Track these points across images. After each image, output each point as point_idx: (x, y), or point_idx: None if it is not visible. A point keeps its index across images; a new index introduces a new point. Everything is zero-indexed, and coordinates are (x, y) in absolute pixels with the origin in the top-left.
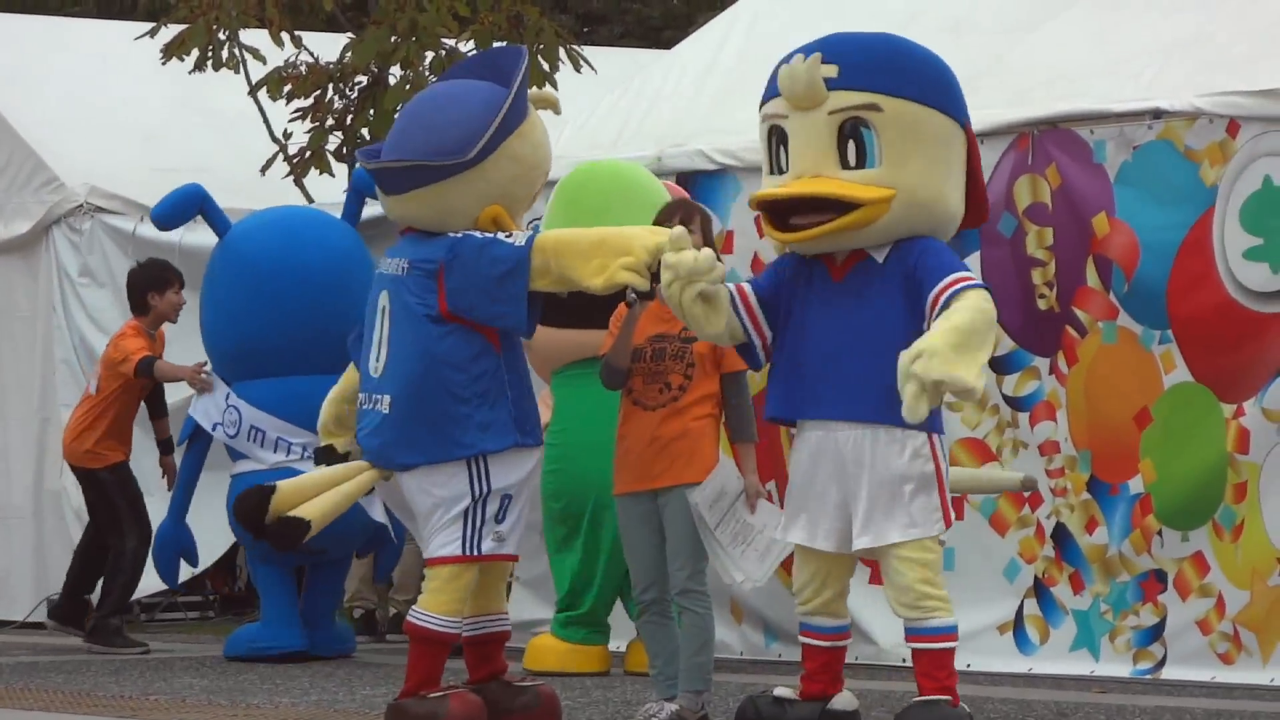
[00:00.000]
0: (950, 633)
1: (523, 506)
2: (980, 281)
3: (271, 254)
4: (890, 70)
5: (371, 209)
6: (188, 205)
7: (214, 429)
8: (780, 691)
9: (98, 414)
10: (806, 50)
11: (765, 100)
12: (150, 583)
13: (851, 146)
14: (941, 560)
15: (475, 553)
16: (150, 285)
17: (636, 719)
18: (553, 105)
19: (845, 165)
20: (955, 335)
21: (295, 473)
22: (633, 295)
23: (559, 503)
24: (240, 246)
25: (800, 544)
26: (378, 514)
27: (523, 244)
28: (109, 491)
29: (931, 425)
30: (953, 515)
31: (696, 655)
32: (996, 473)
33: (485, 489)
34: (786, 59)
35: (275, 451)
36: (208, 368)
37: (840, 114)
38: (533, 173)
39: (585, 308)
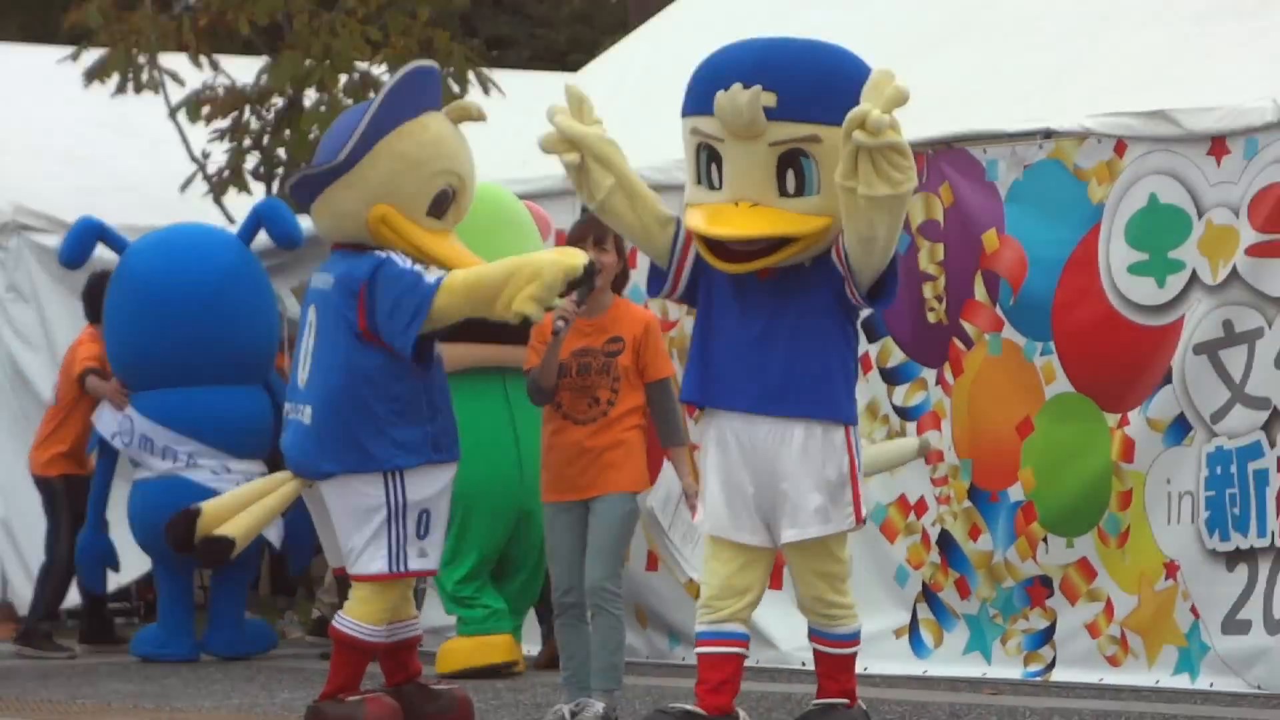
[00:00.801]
0: (854, 639)
1: (443, 520)
2: None
3: (158, 272)
4: (828, 98)
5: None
6: (87, 238)
7: (112, 439)
8: (690, 707)
9: (58, 423)
10: (744, 72)
11: (693, 112)
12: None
13: (791, 175)
14: (849, 565)
15: (402, 569)
16: (104, 292)
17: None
18: (469, 114)
19: (784, 193)
20: None
21: (183, 480)
22: (559, 320)
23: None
24: (132, 266)
25: (719, 536)
26: (269, 533)
27: (430, 284)
28: (54, 500)
29: (849, 418)
30: (864, 511)
31: (611, 655)
32: (894, 444)
33: (401, 501)
34: (723, 80)
35: (164, 459)
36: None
37: (781, 146)
38: (420, 168)
39: (471, 324)
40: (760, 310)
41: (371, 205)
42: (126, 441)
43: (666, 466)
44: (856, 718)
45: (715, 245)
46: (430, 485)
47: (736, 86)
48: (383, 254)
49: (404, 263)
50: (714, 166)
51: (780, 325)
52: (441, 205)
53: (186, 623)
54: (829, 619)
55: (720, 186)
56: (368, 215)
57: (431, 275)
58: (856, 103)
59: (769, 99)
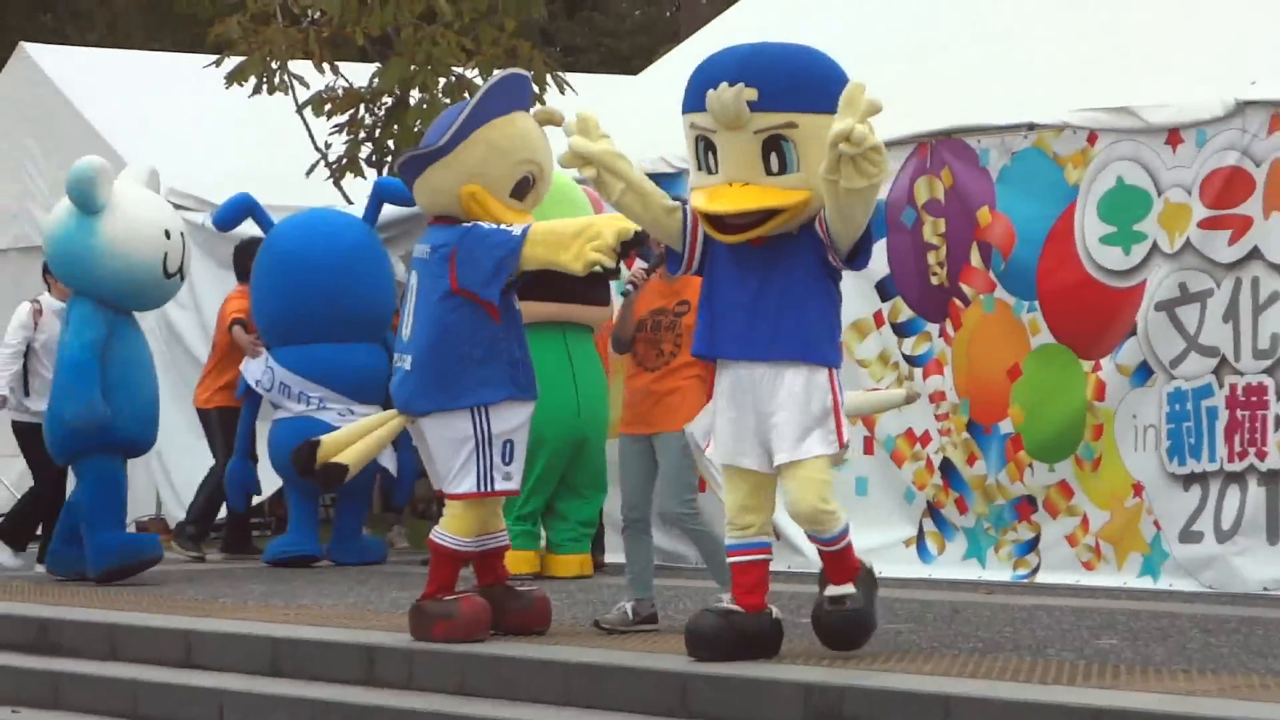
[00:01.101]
0: (842, 535)
1: (522, 448)
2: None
3: (297, 247)
4: (803, 89)
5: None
6: (240, 210)
7: (255, 385)
8: (730, 606)
9: (212, 364)
10: (729, 73)
11: (690, 110)
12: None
13: (774, 157)
14: (832, 481)
15: (490, 489)
16: (251, 256)
17: (611, 613)
18: (552, 119)
19: (769, 172)
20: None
21: (316, 420)
22: (629, 284)
23: None
24: (276, 241)
25: (728, 464)
26: (385, 460)
27: (518, 234)
28: (211, 429)
29: (831, 362)
30: (847, 438)
31: (717, 554)
32: (883, 393)
33: (486, 432)
34: (712, 81)
35: (298, 403)
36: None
37: (764, 133)
38: (506, 155)
39: (531, 285)
40: (754, 274)
41: (464, 184)
42: (268, 387)
43: (710, 404)
44: (865, 579)
45: (715, 220)
46: (511, 419)
47: (723, 85)
48: (469, 224)
49: (487, 225)
50: (710, 154)
51: (771, 286)
52: (523, 189)
53: (311, 531)
54: (821, 525)
55: (716, 171)
56: (460, 192)
57: (517, 229)
58: (825, 92)
59: (750, 94)
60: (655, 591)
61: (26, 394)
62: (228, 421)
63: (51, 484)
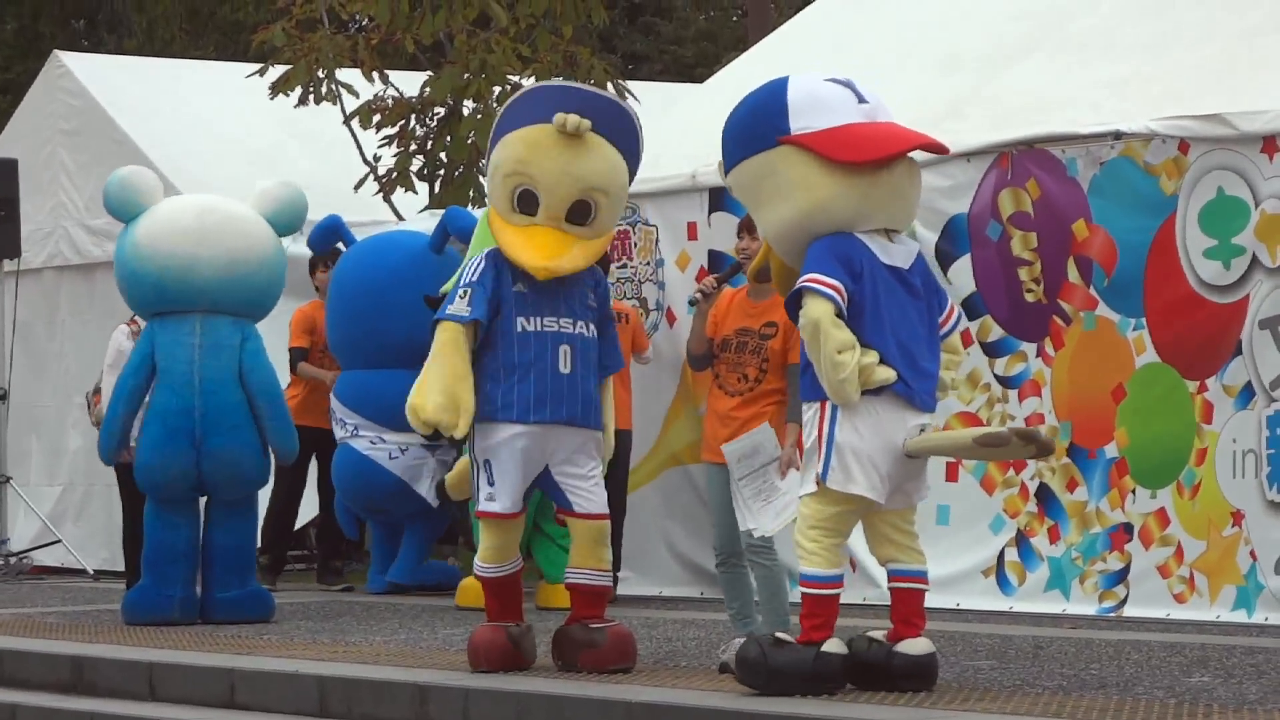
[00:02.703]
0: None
1: (503, 469)
2: (810, 283)
3: (346, 274)
4: (722, 153)
5: None
6: (331, 234)
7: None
8: (780, 635)
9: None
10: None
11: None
12: None
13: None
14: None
15: (479, 509)
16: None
17: (726, 654)
18: (563, 126)
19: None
20: None
21: (349, 447)
22: (698, 294)
23: None
24: (337, 267)
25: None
26: (422, 489)
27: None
28: None
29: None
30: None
31: (772, 600)
32: (951, 434)
33: (474, 448)
34: None
35: (340, 429)
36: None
37: (733, 195)
38: (499, 170)
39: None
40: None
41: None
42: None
43: (760, 431)
44: (797, 657)
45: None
46: (492, 436)
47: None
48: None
49: (469, 265)
50: None
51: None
52: (525, 203)
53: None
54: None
55: None
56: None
57: (457, 308)
58: (726, 146)
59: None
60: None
61: None
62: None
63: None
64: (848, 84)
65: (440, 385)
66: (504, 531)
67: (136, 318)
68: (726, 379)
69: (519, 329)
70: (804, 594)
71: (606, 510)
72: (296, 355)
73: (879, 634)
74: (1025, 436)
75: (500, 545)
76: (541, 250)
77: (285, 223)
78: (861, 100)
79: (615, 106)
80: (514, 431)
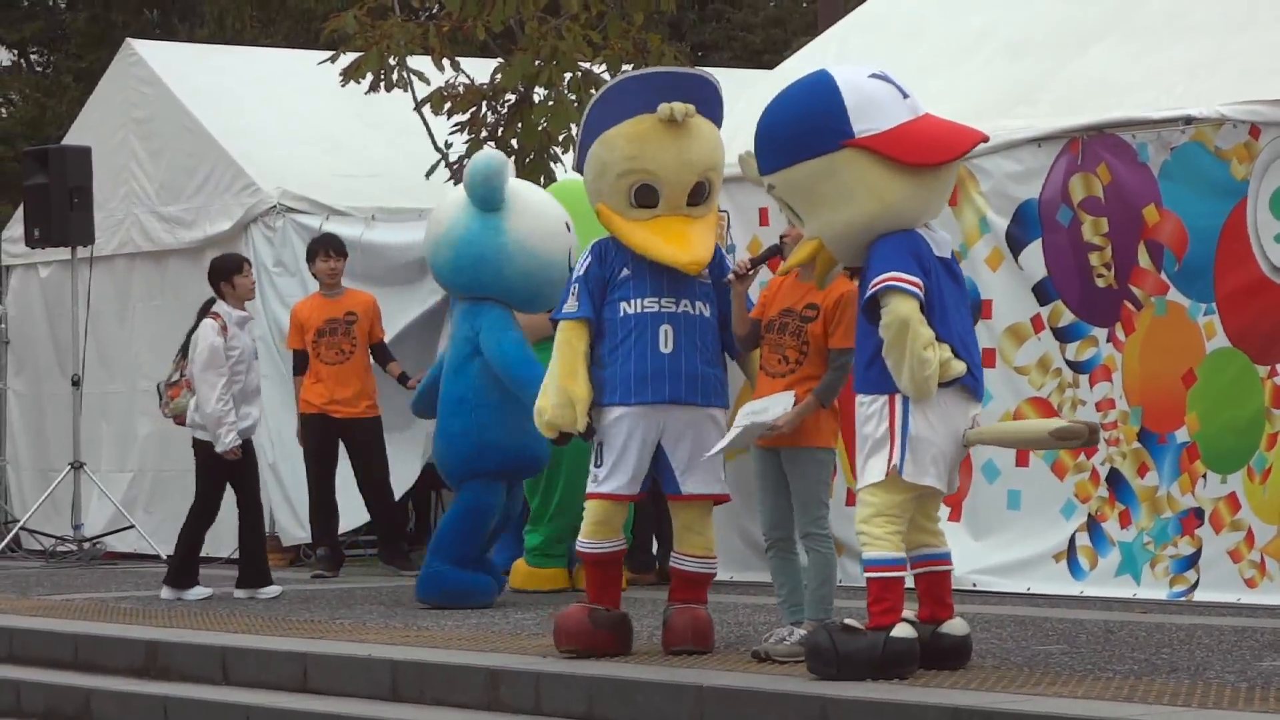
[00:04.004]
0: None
1: (614, 448)
2: (896, 281)
3: None
4: (762, 151)
5: None
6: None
7: None
8: (849, 621)
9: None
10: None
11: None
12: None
13: (790, 212)
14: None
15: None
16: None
17: (769, 640)
18: (663, 115)
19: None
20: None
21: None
22: (728, 278)
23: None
24: None
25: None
26: None
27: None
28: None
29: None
30: (906, 467)
31: (820, 588)
32: (1014, 426)
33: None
34: None
35: None
36: None
37: (772, 194)
38: (610, 169)
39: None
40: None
41: (596, 204)
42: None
43: (780, 395)
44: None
45: None
46: (603, 419)
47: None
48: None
49: (579, 261)
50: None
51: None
52: (645, 197)
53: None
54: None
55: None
56: (598, 212)
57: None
58: (773, 146)
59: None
60: (828, 613)
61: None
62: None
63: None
64: (887, 77)
65: (555, 385)
66: (611, 510)
67: (219, 312)
68: (769, 360)
69: (622, 313)
70: (871, 579)
71: (711, 490)
72: (299, 357)
73: (909, 613)
74: (1092, 432)
75: (603, 522)
76: (679, 243)
77: (478, 195)
78: (904, 95)
79: (697, 79)
80: (619, 413)
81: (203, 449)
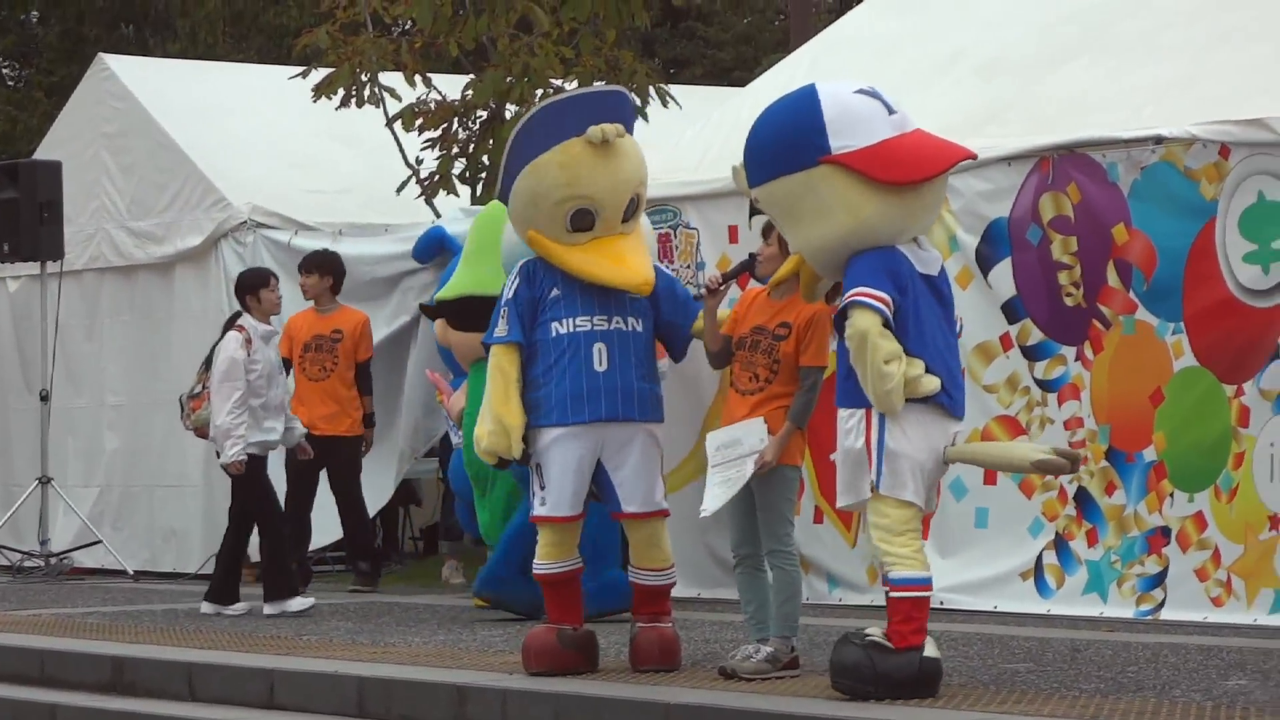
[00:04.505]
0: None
1: (553, 472)
2: (859, 296)
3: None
4: (748, 164)
5: None
6: (436, 245)
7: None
8: (871, 631)
9: None
10: None
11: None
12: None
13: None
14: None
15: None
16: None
17: (736, 657)
18: (593, 138)
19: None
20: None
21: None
22: (700, 291)
23: (471, 470)
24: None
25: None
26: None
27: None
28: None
29: (861, 403)
30: (884, 480)
31: (784, 605)
32: (999, 449)
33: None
34: None
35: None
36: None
37: (758, 206)
38: (545, 198)
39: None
40: None
41: (524, 230)
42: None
43: (749, 424)
44: (896, 663)
45: None
46: (539, 441)
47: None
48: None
49: (507, 283)
50: None
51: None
52: (583, 220)
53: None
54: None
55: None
56: (529, 240)
57: (500, 329)
58: (756, 160)
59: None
60: (793, 630)
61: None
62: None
63: (262, 517)
64: (874, 93)
65: (489, 413)
66: (560, 531)
67: (244, 325)
68: (739, 378)
69: (554, 333)
70: (900, 599)
71: (656, 507)
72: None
73: (876, 632)
74: (1073, 461)
75: (555, 544)
76: (621, 265)
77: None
78: (891, 111)
79: (614, 96)
80: (556, 434)
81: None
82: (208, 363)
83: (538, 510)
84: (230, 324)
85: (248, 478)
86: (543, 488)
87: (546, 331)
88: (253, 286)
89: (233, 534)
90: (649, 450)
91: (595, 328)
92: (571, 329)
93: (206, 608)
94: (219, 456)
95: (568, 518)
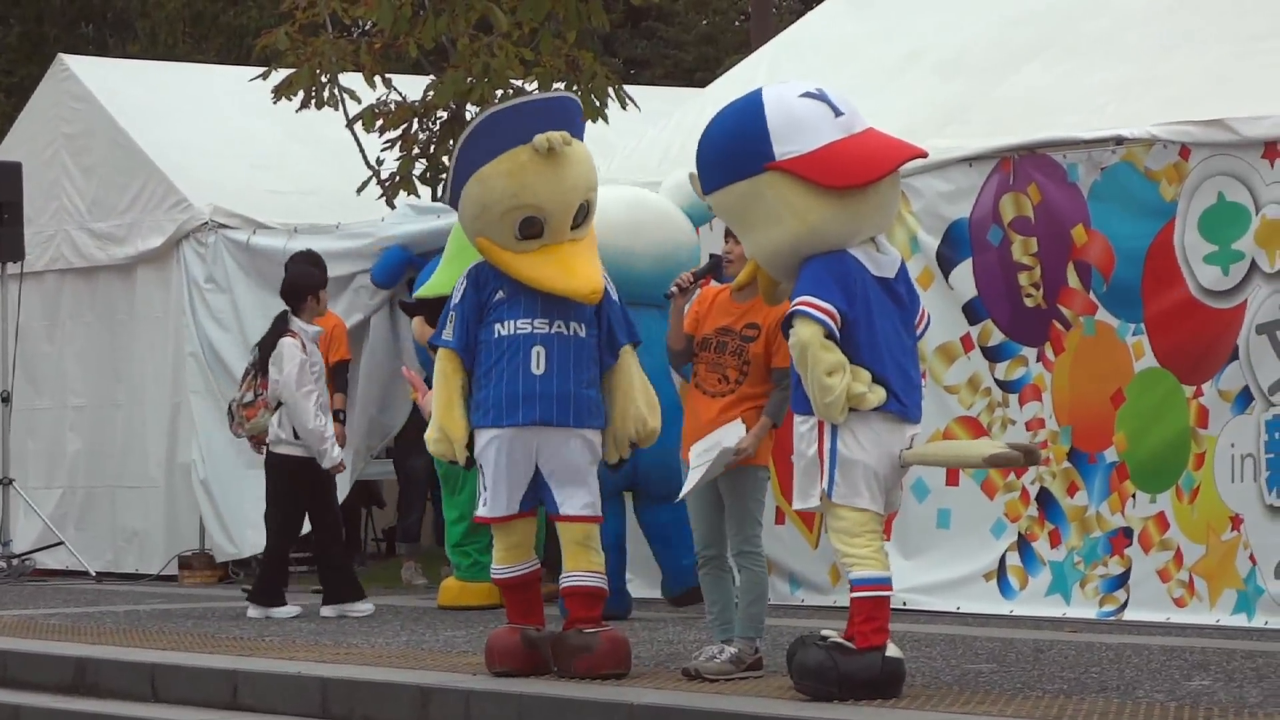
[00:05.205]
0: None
1: (490, 471)
2: (801, 306)
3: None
4: (699, 172)
5: None
6: (400, 268)
7: None
8: (827, 633)
9: None
10: None
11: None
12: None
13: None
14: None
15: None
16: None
17: (699, 658)
18: (539, 148)
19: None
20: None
21: None
22: (673, 289)
23: (441, 469)
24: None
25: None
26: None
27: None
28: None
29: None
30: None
31: (751, 606)
32: (951, 447)
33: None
34: None
35: None
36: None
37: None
38: (493, 207)
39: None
40: None
41: (474, 237)
42: None
43: (728, 427)
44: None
45: None
46: (479, 443)
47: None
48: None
49: (456, 287)
50: None
51: None
52: (531, 228)
53: None
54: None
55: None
56: (478, 247)
57: (447, 333)
58: (706, 168)
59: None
60: (758, 631)
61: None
62: None
63: (298, 519)
64: (821, 95)
65: (434, 419)
66: (511, 533)
67: (296, 329)
68: (706, 379)
69: (495, 335)
70: (860, 599)
71: (591, 512)
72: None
73: (833, 633)
74: (1029, 454)
75: (511, 546)
76: (570, 273)
77: (701, 214)
78: (838, 113)
79: (560, 102)
80: (491, 435)
81: (282, 466)
82: (255, 369)
83: (479, 511)
84: (280, 325)
85: (310, 479)
86: (485, 489)
87: (490, 333)
88: (314, 288)
89: (274, 536)
90: (582, 455)
91: (535, 330)
92: (512, 331)
93: (254, 611)
94: (273, 461)
95: (504, 518)
